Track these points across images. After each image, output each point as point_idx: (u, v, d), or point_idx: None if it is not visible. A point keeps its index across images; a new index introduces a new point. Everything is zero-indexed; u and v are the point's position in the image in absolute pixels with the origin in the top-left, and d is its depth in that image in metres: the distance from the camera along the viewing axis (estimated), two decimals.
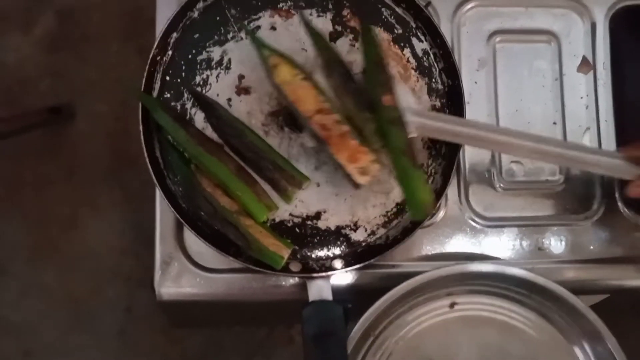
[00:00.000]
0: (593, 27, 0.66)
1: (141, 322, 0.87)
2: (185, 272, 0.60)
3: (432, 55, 0.60)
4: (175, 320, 0.86)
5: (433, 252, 0.61)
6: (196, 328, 0.89)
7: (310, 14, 0.59)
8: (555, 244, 0.62)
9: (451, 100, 0.60)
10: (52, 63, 0.88)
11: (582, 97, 0.65)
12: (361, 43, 0.57)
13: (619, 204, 0.63)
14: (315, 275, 0.56)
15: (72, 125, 0.89)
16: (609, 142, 0.64)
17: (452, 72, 0.59)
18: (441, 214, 0.62)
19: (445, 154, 0.59)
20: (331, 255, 0.58)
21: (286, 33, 0.59)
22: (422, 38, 0.60)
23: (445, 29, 0.64)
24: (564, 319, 0.59)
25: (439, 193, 0.59)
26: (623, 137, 0.64)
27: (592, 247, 0.63)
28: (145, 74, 0.57)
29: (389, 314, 0.58)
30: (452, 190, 0.62)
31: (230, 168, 0.56)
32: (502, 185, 0.63)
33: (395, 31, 0.60)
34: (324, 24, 0.59)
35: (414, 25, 0.60)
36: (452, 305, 0.60)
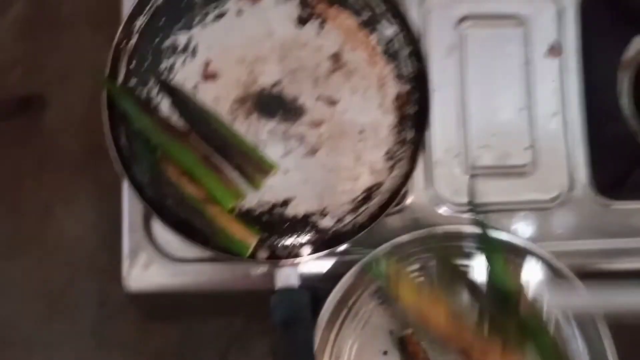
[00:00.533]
0: (562, 11, 0.66)
1: (115, 316, 0.87)
2: (153, 262, 0.60)
3: (398, 41, 0.60)
4: (149, 313, 0.85)
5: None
6: (171, 321, 0.89)
7: None
8: (523, 229, 0.63)
9: (418, 85, 0.59)
10: (22, 51, 0.87)
11: (549, 82, 0.65)
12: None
13: (587, 187, 0.64)
14: (282, 262, 0.56)
15: (43, 116, 0.87)
16: (576, 127, 0.64)
17: (418, 56, 0.59)
18: (409, 199, 0.62)
19: (412, 140, 0.59)
20: (299, 243, 0.58)
21: (253, 18, 0.59)
22: (389, 23, 0.60)
23: (413, 14, 0.63)
24: None
25: (405, 178, 0.59)
26: (591, 123, 0.64)
27: (559, 231, 0.63)
28: (109, 61, 0.57)
29: (360, 284, 0.58)
30: (419, 176, 0.62)
31: (197, 156, 0.56)
32: (470, 170, 0.63)
33: (362, 16, 0.60)
34: (291, 8, 0.59)
35: (380, 11, 0.60)
36: (421, 268, 0.60)
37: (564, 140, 0.64)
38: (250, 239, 0.55)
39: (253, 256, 0.56)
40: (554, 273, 0.58)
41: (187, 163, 0.55)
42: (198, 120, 0.57)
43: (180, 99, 0.57)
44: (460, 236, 0.59)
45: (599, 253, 0.64)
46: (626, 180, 0.63)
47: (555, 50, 0.65)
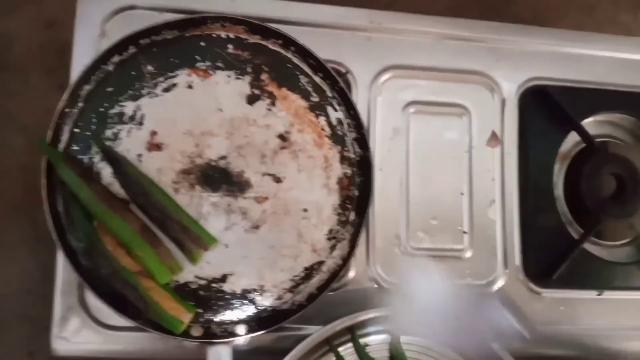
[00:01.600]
0: (503, 103, 0.69)
1: None
2: (84, 327, 0.59)
3: (345, 125, 0.62)
4: None
5: (339, 314, 0.61)
6: None
7: (229, 76, 0.60)
8: None
9: (362, 169, 0.61)
10: None
11: (489, 170, 0.67)
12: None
13: (519, 274, 0.66)
14: (215, 341, 0.55)
15: None
16: (513, 215, 0.67)
17: (363, 143, 0.60)
18: (349, 276, 0.62)
19: (354, 222, 0.60)
20: (235, 320, 0.57)
21: (203, 93, 0.59)
22: (337, 107, 0.61)
23: (362, 96, 0.65)
24: None
25: (346, 259, 0.60)
26: (525, 213, 0.67)
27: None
28: (52, 126, 0.56)
29: None
30: (360, 254, 0.63)
31: (135, 227, 0.55)
32: (408, 250, 0.64)
33: (312, 99, 0.61)
34: (242, 86, 0.60)
35: (329, 95, 0.61)
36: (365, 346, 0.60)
37: (501, 227, 0.66)
38: (183, 316, 0.54)
39: (186, 332, 0.55)
40: None
41: (123, 235, 0.55)
42: (138, 191, 0.56)
43: (122, 168, 0.56)
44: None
45: (533, 339, 0.65)
46: (556, 269, 0.66)
47: (494, 139, 0.68)
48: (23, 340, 0.86)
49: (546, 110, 0.69)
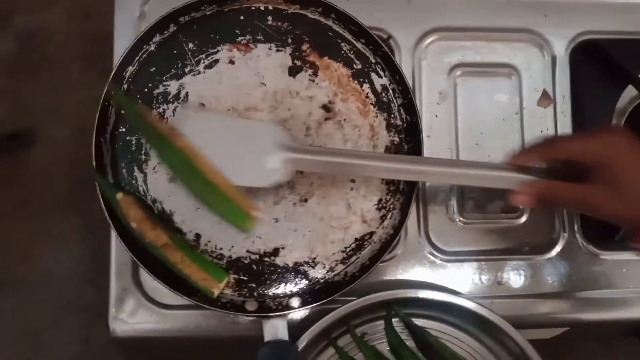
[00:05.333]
0: (553, 60, 0.66)
1: (100, 352, 0.85)
2: (140, 307, 0.59)
3: (391, 91, 0.60)
4: (135, 355, 0.84)
5: (392, 287, 0.60)
6: None
7: (269, 49, 0.59)
8: (515, 278, 0.62)
9: (410, 136, 0.59)
10: (11, 88, 0.86)
11: (542, 131, 0.65)
12: None
13: (579, 238, 0.64)
14: (271, 314, 0.55)
15: (31, 151, 0.87)
16: None
17: (410, 108, 0.58)
18: (400, 248, 0.62)
19: (404, 189, 0.59)
20: (289, 293, 0.57)
21: (245, 67, 0.59)
22: (382, 73, 0.60)
23: (406, 62, 0.64)
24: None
25: (397, 228, 0.58)
26: None
27: (551, 281, 0.63)
28: (99, 109, 0.56)
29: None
30: (411, 225, 0.62)
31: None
32: (461, 219, 0.63)
33: (355, 66, 0.60)
34: (283, 58, 0.59)
35: (373, 61, 0.60)
36: (363, 335, 0.60)
37: None
38: (214, 287, 0.54)
39: (241, 307, 0.55)
40: (484, 323, 0.58)
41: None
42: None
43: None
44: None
45: (591, 303, 0.63)
46: (618, 230, 0.63)
47: (546, 98, 0.65)
48: (79, 327, 0.89)
49: (599, 65, 0.66)
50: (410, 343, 0.60)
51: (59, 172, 0.88)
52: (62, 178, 0.87)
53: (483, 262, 0.62)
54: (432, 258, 0.62)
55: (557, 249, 0.63)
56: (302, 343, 0.55)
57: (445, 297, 0.58)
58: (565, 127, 0.65)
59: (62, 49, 0.90)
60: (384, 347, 0.60)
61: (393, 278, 0.61)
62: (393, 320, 0.60)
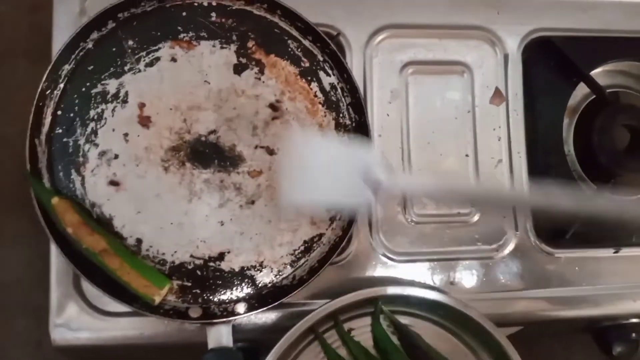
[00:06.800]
0: (506, 58, 0.66)
1: (52, 356, 0.83)
2: (82, 314, 0.57)
3: (339, 90, 0.59)
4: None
5: (343, 289, 0.59)
6: None
7: (213, 46, 0.57)
8: (467, 278, 0.62)
9: (359, 135, 0.58)
10: None
11: (494, 129, 0.64)
12: None
13: (531, 237, 0.63)
14: (215, 321, 0.53)
15: None
16: (521, 174, 0.64)
17: (359, 108, 0.57)
18: (352, 250, 0.60)
19: None
20: (235, 298, 0.55)
21: (188, 65, 0.56)
22: (330, 72, 0.58)
23: (357, 59, 0.62)
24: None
25: (346, 230, 0.57)
26: (535, 169, 0.64)
27: (503, 280, 0.62)
28: (33, 109, 0.54)
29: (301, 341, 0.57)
30: (362, 226, 0.60)
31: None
32: (413, 219, 0.62)
33: (302, 64, 0.58)
34: (227, 55, 0.57)
35: (321, 59, 0.58)
36: (349, 330, 0.59)
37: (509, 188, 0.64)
38: (155, 294, 0.52)
39: (184, 314, 0.54)
40: (467, 321, 0.57)
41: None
42: None
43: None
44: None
45: (544, 301, 0.63)
46: (569, 228, 0.63)
47: (498, 96, 0.65)
48: (30, 330, 0.86)
49: (552, 63, 0.66)
50: (395, 340, 0.58)
51: (5, 171, 0.85)
52: (9, 177, 0.84)
53: (435, 262, 0.61)
54: (385, 259, 0.61)
55: (510, 248, 0.63)
56: (290, 338, 0.54)
57: (434, 295, 0.57)
58: (517, 125, 0.65)
59: (8, 44, 0.87)
60: (369, 344, 0.59)
61: (345, 279, 0.60)
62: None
